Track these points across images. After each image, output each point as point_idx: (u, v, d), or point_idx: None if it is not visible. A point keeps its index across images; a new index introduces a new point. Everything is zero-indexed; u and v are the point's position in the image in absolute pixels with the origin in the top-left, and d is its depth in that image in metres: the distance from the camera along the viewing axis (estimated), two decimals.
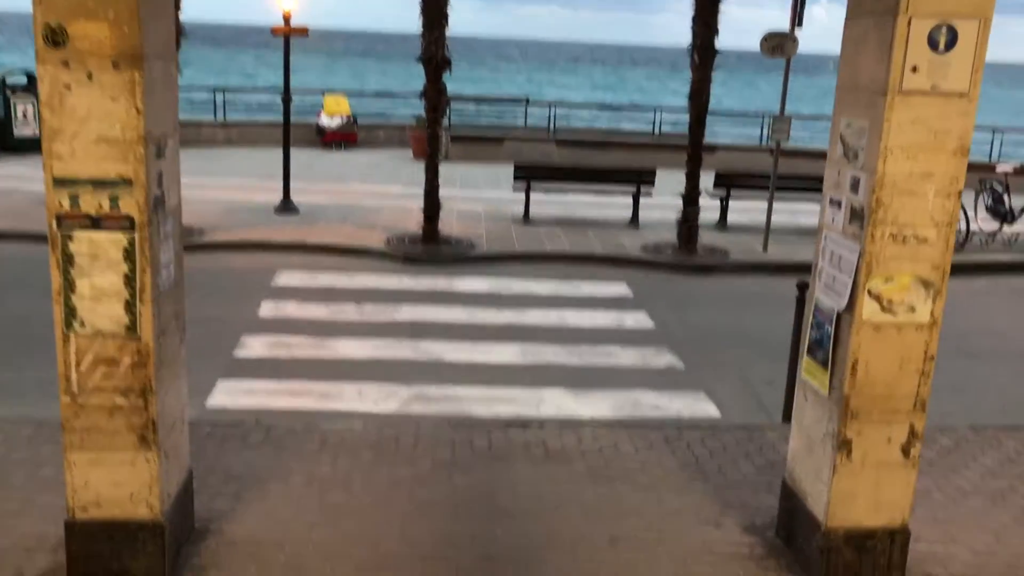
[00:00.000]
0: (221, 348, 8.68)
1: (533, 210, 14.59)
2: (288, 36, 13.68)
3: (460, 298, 10.68)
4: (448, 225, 13.53)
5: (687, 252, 12.73)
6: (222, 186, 16.06)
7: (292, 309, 9.98)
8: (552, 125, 22.74)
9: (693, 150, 12.59)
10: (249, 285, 10.78)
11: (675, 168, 15.81)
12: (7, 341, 8.26)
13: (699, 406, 7.84)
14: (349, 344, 8.98)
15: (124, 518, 4.54)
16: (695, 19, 12.06)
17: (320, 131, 21.48)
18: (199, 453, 6.09)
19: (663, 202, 15.96)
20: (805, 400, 5.10)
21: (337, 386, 7.89)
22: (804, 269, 12.58)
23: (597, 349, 9.18)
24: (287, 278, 11.12)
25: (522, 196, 14.79)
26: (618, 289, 11.43)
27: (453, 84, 23.03)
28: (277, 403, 7.51)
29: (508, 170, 18.93)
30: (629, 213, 15.16)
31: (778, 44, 12.33)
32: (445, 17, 11.80)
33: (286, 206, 14.20)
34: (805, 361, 5.10)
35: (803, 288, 7.16)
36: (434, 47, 11.77)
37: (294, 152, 20.11)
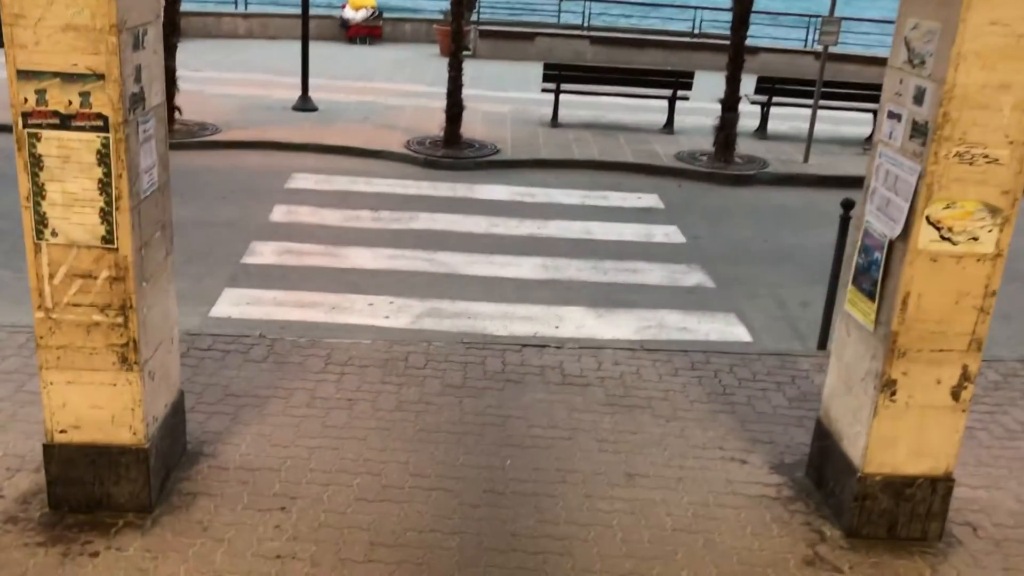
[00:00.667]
0: (229, 254, 8.32)
1: (562, 113, 13.95)
2: None
3: (480, 206, 10.22)
4: (472, 128, 12.95)
5: (723, 161, 12.11)
6: (240, 81, 15.51)
7: (305, 214, 9.57)
8: (587, 22, 21.75)
9: (734, 52, 11.83)
10: (262, 187, 10.36)
11: (714, 70, 15.02)
12: (5, 240, 7.95)
13: (729, 330, 7.40)
14: (362, 253, 8.58)
15: (105, 442, 4.24)
16: None
17: (344, 24, 20.70)
18: (198, 368, 5.78)
19: (700, 107, 15.22)
20: (847, 334, 4.64)
21: (347, 298, 7.53)
22: (847, 183, 12.05)
23: (622, 265, 8.72)
24: (302, 180, 10.68)
25: (551, 98, 14.12)
26: (648, 200, 10.90)
27: None
28: (284, 315, 7.17)
29: (538, 69, 18.09)
30: (664, 118, 14.46)
31: None
32: None
33: (304, 104, 13.66)
34: (850, 291, 4.62)
35: (848, 206, 6.63)
36: None
37: (317, 46, 19.48)
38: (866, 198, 4.51)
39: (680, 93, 13.74)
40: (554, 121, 13.77)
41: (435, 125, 12.75)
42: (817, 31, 20.94)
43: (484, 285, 8.01)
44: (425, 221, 9.58)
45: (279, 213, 9.54)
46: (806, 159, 12.50)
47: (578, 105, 14.94)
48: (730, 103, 12.02)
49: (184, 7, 19.95)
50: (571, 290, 8.02)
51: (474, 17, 21.16)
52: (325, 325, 7.00)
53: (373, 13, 20.78)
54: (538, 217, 9.93)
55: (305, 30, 13.69)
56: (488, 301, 7.63)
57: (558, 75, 13.60)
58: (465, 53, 17.75)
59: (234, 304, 7.32)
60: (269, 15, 20.36)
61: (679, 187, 11.55)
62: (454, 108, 11.88)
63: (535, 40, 20.01)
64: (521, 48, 19.85)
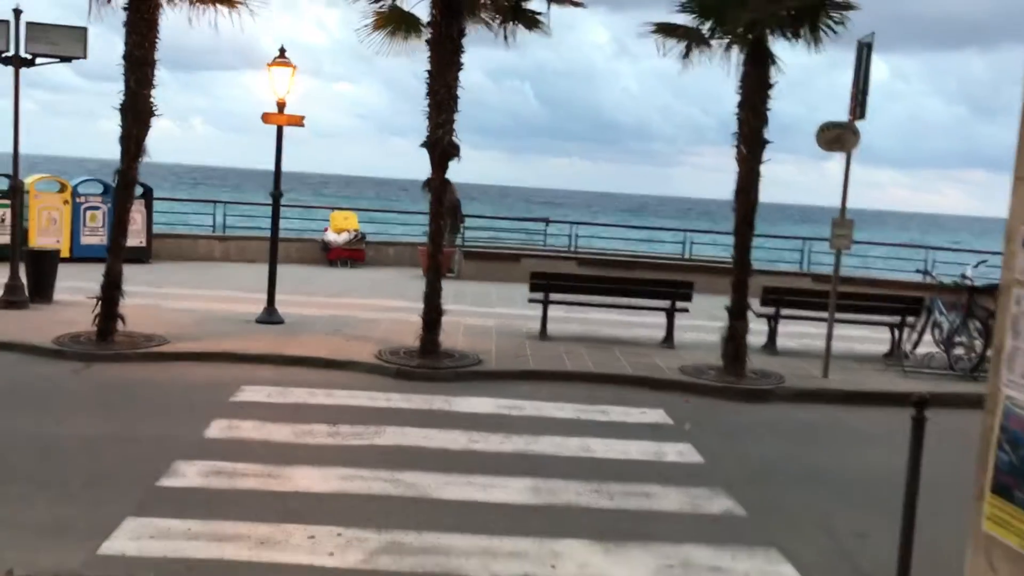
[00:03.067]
0: (143, 476, 6.71)
1: (552, 327, 12.73)
2: (281, 127, 12.22)
3: (459, 420, 8.71)
4: (453, 339, 11.67)
5: (734, 374, 10.74)
6: (203, 296, 14.38)
7: (248, 429, 8.02)
8: (574, 244, 21.15)
9: (740, 256, 10.77)
10: (203, 400, 8.86)
11: (707, 293, 14.08)
12: None
13: (774, 569, 5.72)
14: (310, 474, 6.97)
15: None
16: (741, 105, 10.49)
17: (325, 247, 19.97)
18: None
19: (697, 323, 14.11)
20: (992, 569, 3.06)
21: (283, 529, 5.85)
22: (876, 400, 10.64)
23: (631, 488, 7.12)
24: (251, 393, 9.21)
25: (539, 312, 12.98)
26: (654, 415, 9.42)
27: (469, 208, 21.84)
28: (194, 551, 5.48)
29: (525, 290, 17.24)
30: (661, 333, 13.26)
31: (837, 136, 10.70)
32: (455, 99, 10.29)
33: (269, 316, 12.43)
34: (989, 504, 3.10)
35: (921, 404, 5.21)
36: (440, 130, 10.21)
37: (296, 269, 18.70)
38: (1000, 366, 3.09)
39: (679, 305, 12.59)
40: (543, 334, 12.53)
41: (411, 336, 11.46)
42: (809, 253, 20.56)
43: (460, 512, 6.36)
44: (392, 436, 8.04)
45: (217, 429, 8.00)
46: (825, 374, 11.16)
47: (568, 320, 13.79)
48: (738, 311, 10.83)
49: (158, 229, 19.43)
50: (570, 518, 6.38)
51: (458, 241, 20.58)
52: (246, 566, 5.32)
53: (355, 236, 20.14)
54: (527, 432, 8.42)
55: (274, 236, 12.70)
56: (465, 532, 5.96)
57: (546, 284, 12.50)
58: (449, 275, 16.92)
59: (133, 538, 5.63)
60: (247, 238, 19.65)
61: (687, 402, 10.10)
62: (431, 313, 10.65)
63: (521, 261, 19.24)
64: (507, 269, 19.04)
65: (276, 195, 12.46)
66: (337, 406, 8.95)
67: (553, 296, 12.59)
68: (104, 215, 17.64)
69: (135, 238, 17.97)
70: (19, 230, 12.76)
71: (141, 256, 18.07)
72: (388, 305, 14.70)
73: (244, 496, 6.46)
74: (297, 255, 19.94)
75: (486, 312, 14.66)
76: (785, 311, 12.67)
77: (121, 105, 10.30)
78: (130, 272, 17.00)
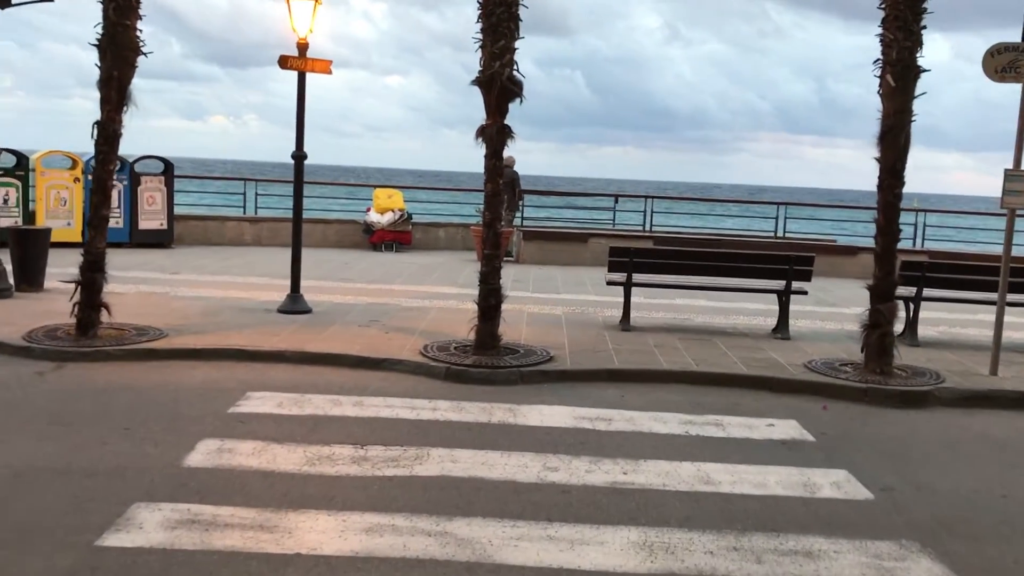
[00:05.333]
0: (80, 528, 4.63)
1: (635, 316, 10.43)
2: (303, 72, 10.06)
3: (528, 438, 6.48)
4: (515, 331, 9.45)
5: (880, 373, 8.35)
6: (222, 284, 12.33)
7: (245, 454, 5.89)
8: (648, 223, 18.75)
9: (887, 217, 8.35)
10: (193, 412, 6.76)
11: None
12: None
13: None
14: (323, 524, 4.82)
15: None
16: (886, 21, 8.08)
17: (368, 229, 17.88)
18: None
19: (807, 309, 11.73)
20: None
21: None
22: None
23: (785, 543, 4.85)
24: (257, 402, 7.08)
25: (616, 297, 10.71)
26: (787, 428, 7.09)
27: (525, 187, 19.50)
28: None
29: (594, 273, 15.00)
30: (765, 321, 10.91)
31: (1011, 62, 8.24)
32: (516, 20, 8.04)
33: (293, 305, 10.31)
34: None
35: None
36: (497, 62, 7.96)
37: (333, 253, 16.64)
38: None
39: (796, 286, 10.19)
40: (624, 323, 10.23)
41: (465, 327, 9.27)
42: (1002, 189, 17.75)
43: None
44: (439, 462, 5.85)
45: (203, 453, 5.88)
46: (994, 370, 8.71)
47: (651, 307, 11.49)
48: (884, 290, 8.42)
49: (180, 210, 17.50)
50: None
51: (517, 220, 18.35)
52: None
53: (401, 216, 18.00)
54: (621, 455, 6.17)
55: (297, 212, 10.57)
56: None
57: (630, 262, 10.17)
58: (507, 258, 14.71)
59: None
60: (281, 219, 17.61)
61: (825, 409, 7.76)
62: (490, 298, 8.42)
63: (589, 241, 16.93)
64: (572, 251, 16.76)
65: (299, 156, 10.30)
66: (368, 419, 6.78)
67: (637, 278, 10.26)
68: (120, 194, 15.73)
69: (155, 220, 16.13)
70: None
71: (162, 239, 16.17)
72: (437, 292, 12.52)
73: (220, 561, 4.32)
74: (336, 238, 17.88)
75: (552, 299, 12.38)
76: (931, 291, 10.18)
77: (98, 40, 8.26)
78: (148, 257, 15.28)
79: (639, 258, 10.21)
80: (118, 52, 8.25)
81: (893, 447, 6.79)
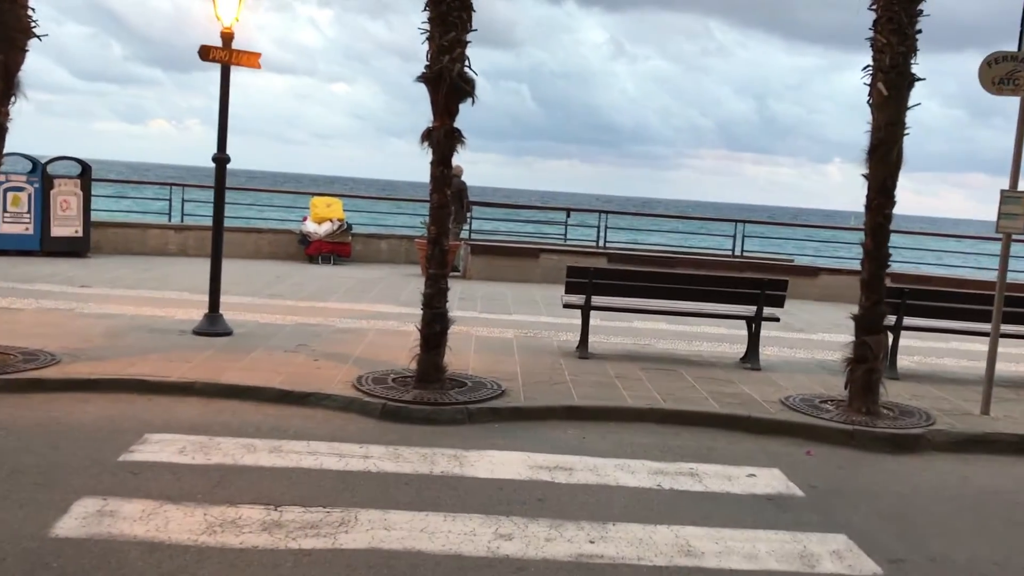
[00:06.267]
0: None
1: (593, 340, 9.51)
2: (227, 64, 8.96)
3: (477, 495, 5.50)
4: (462, 358, 8.46)
5: (866, 413, 7.53)
6: (139, 299, 11.12)
7: (128, 519, 4.80)
8: (602, 238, 17.88)
9: (875, 241, 7.54)
10: (75, 460, 5.65)
11: None
12: None
13: None
14: None
15: None
16: (878, 24, 7.31)
17: (304, 240, 16.73)
18: None
19: (775, 336, 10.96)
20: None
21: None
22: None
23: None
24: (155, 448, 5.97)
25: (572, 319, 9.81)
26: (770, 479, 6.22)
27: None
28: None
29: (546, 291, 14.12)
30: (730, 347, 10.11)
31: (1010, 73, 7.53)
32: (468, 10, 7.07)
33: (211, 326, 9.19)
34: None
35: None
36: (447, 56, 6.98)
37: (266, 266, 15.47)
38: None
39: (768, 311, 9.37)
40: (582, 350, 9.31)
41: (405, 354, 8.27)
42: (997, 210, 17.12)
43: None
44: (369, 529, 4.83)
45: (77, 517, 4.77)
46: (985, 410, 7.97)
47: (608, 330, 10.60)
48: (871, 319, 7.61)
49: (98, 216, 16.18)
50: None
51: (464, 234, 17.35)
52: None
53: (340, 227, 16.87)
54: (586, 517, 5.22)
55: (218, 220, 9.46)
56: None
57: (589, 283, 9.25)
58: (454, 273, 13.72)
59: None
60: (207, 228, 16.30)
61: (809, 455, 6.91)
62: (434, 323, 7.41)
63: (540, 257, 16.02)
64: (523, 267, 15.83)
65: (220, 159, 9.18)
66: (286, 470, 5.73)
67: (597, 300, 9.34)
68: (31, 197, 14.40)
69: (69, 226, 14.82)
70: None
71: (77, 248, 14.85)
72: (376, 311, 11.47)
73: None
74: (270, 249, 16.70)
75: (503, 320, 11.41)
76: (911, 320, 9.44)
77: None
78: (59, 267, 13.93)
79: (600, 279, 9.29)
80: (4, 33, 7.09)
81: (893, 504, 5.94)
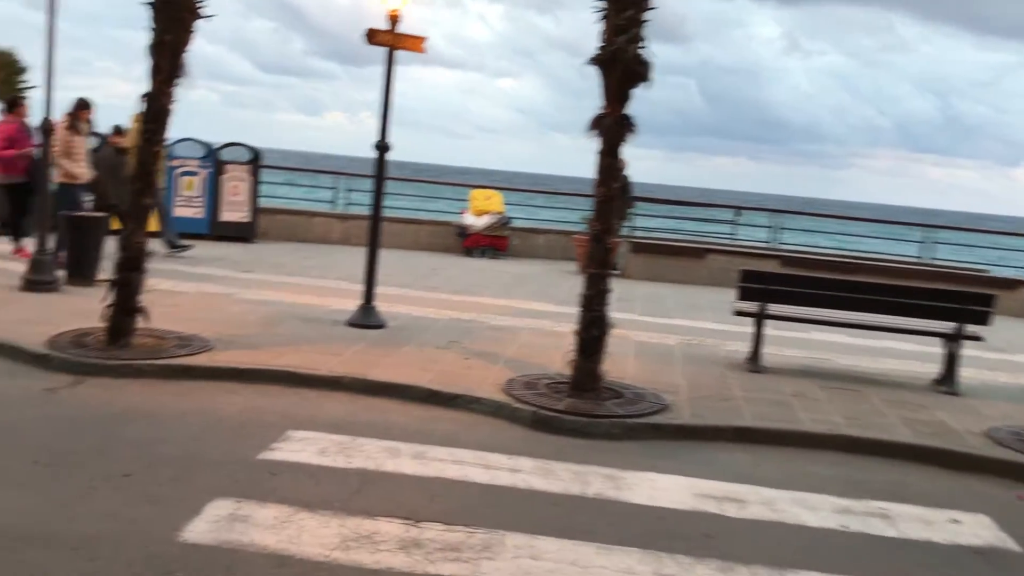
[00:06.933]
0: None
1: (764, 352, 8.69)
2: (393, 48, 8.69)
3: (636, 524, 4.91)
4: (619, 366, 7.85)
5: None
6: (297, 287, 11.11)
7: (263, 525, 4.48)
8: (773, 239, 16.79)
9: None
10: (215, 457, 5.43)
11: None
12: None
13: None
14: None
15: None
16: None
17: (462, 233, 16.52)
18: None
19: (972, 355, 9.75)
20: None
21: None
22: None
23: None
24: (297, 446, 5.69)
25: (740, 327, 9.04)
26: (978, 528, 5.32)
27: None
28: None
29: (711, 295, 13.30)
30: (927, 365, 9.04)
31: None
32: None
33: (364, 318, 8.97)
34: None
35: None
36: (622, 36, 6.40)
37: (422, 257, 15.32)
38: None
39: (968, 330, 8.30)
40: (753, 363, 8.52)
41: (560, 358, 7.78)
42: None
43: None
44: (514, 557, 4.33)
45: (208, 520, 4.50)
46: None
47: (782, 341, 9.68)
48: None
49: (266, 203, 16.48)
50: None
51: (624, 230, 16.66)
52: None
53: (499, 220, 16.58)
54: (761, 560, 4.54)
55: (377, 210, 9.25)
56: None
57: (764, 290, 8.45)
58: (612, 272, 13.11)
59: None
60: (369, 217, 16.34)
61: (1022, 500, 5.94)
62: (592, 328, 6.85)
63: (705, 258, 15.17)
64: (686, 268, 15.03)
65: (382, 147, 8.93)
66: (428, 479, 5.32)
67: (773, 308, 8.53)
68: (204, 182, 14.79)
69: (238, 211, 15.13)
70: (45, 186, 9.80)
71: (244, 233, 15.14)
72: (530, 308, 11.02)
73: None
74: (428, 240, 16.57)
75: (664, 324, 10.72)
76: None
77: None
78: (226, 251, 14.21)
79: (777, 285, 8.48)
80: (172, 12, 7.03)
81: None
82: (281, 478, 5.15)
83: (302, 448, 5.65)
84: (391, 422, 6.32)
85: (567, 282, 13.82)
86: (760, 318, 8.49)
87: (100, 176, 11.57)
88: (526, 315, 10.46)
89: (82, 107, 11.07)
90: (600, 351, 6.88)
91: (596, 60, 6.57)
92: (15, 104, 11.46)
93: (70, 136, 10.80)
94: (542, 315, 10.51)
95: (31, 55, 16.35)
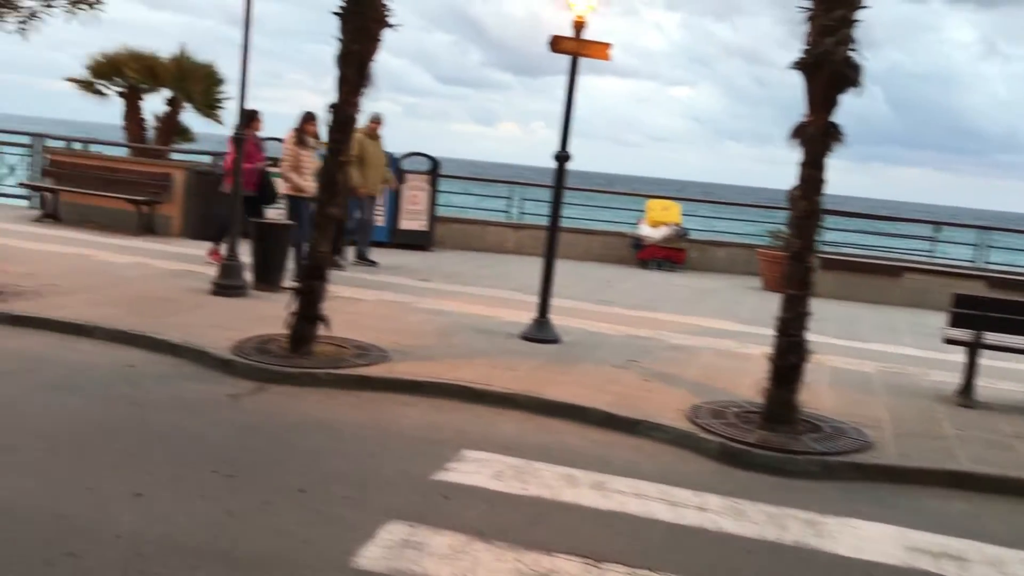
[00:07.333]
0: None
1: (979, 383, 7.82)
2: (577, 55, 8.43)
3: (841, 575, 4.39)
4: (814, 395, 7.23)
5: None
6: (471, 297, 11.03)
7: (436, 555, 4.27)
8: (980, 258, 15.44)
9: None
10: (391, 473, 5.29)
11: None
12: None
13: None
14: None
15: None
16: None
17: (637, 244, 16.10)
18: None
19: None
20: None
21: None
22: None
23: None
24: (471, 468, 5.47)
25: (944, 353, 8.22)
26: None
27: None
28: None
29: (909, 316, 12.36)
30: None
31: None
32: None
33: (539, 332, 8.73)
34: None
35: None
36: (831, 38, 5.85)
37: (595, 269, 15.01)
38: None
39: None
40: (965, 396, 7.68)
41: (748, 383, 7.26)
42: None
43: None
44: None
45: (382, 546, 4.32)
46: None
47: (995, 373, 8.68)
48: None
49: (442, 211, 16.60)
50: None
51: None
52: None
53: (677, 232, 16.04)
54: None
55: (554, 220, 9.01)
56: None
57: (981, 317, 7.61)
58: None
59: None
60: (543, 227, 16.09)
61: None
62: (790, 355, 6.31)
63: (902, 276, 14.09)
64: (880, 286, 14.02)
65: (562, 156, 8.67)
66: (609, 513, 4.97)
67: (990, 338, 7.68)
68: (386, 191, 15.03)
69: (416, 220, 15.33)
70: (238, 194, 10.10)
71: (422, 241, 15.31)
72: (712, 327, 10.47)
73: None
74: (600, 251, 16.24)
75: (858, 349, 9.91)
76: None
77: (340, 8, 7.08)
78: (404, 259, 14.35)
79: (996, 311, 7.61)
80: (359, 22, 7.02)
81: None
82: (455, 502, 4.94)
83: (476, 470, 5.43)
84: (567, 446, 6.01)
85: (750, 299, 13.17)
86: (974, 348, 7.64)
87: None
88: (707, 334, 9.94)
89: (308, 120, 11.20)
90: (797, 380, 6.33)
91: (800, 64, 6.04)
92: (251, 119, 11.28)
93: (298, 150, 11.07)
94: (724, 334, 9.95)
95: (228, 67, 17.14)
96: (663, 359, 8.49)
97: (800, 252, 6.28)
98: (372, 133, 12.96)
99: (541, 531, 4.66)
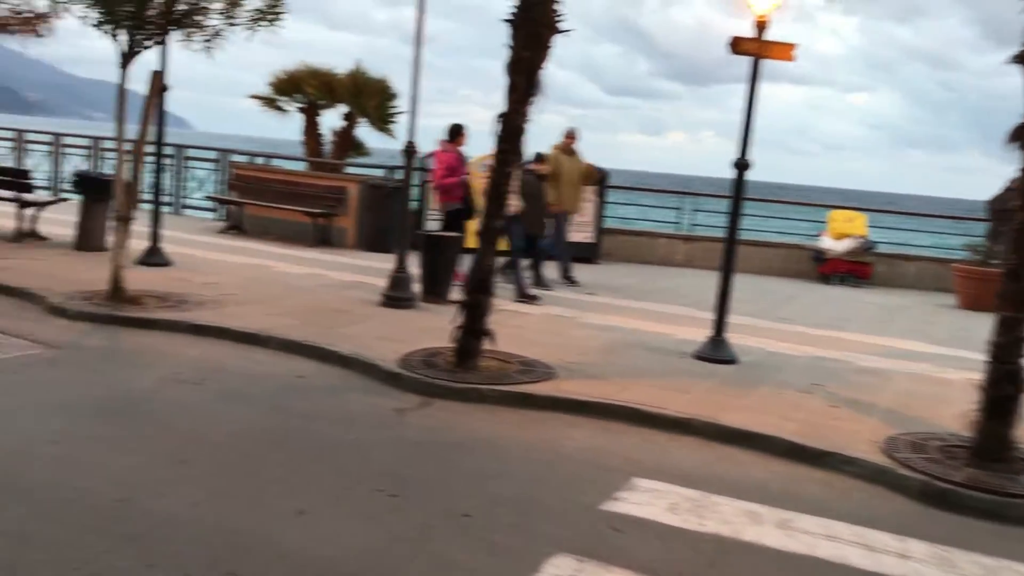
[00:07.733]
0: None
1: None
2: (758, 57, 7.92)
3: None
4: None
5: None
6: (639, 312, 10.64)
7: None
8: None
9: None
10: (556, 500, 5.00)
11: None
12: None
13: None
14: None
15: None
16: None
17: (818, 257, 15.22)
18: None
19: None
20: None
21: None
22: None
23: None
24: (642, 499, 5.11)
25: None
26: None
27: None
28: None
29: None
30: None
31: None
32: None
33: (714, 351, 8.24)
34: None
35: None
36: None
37: (774, 283, 14.28)
38: None
39: None
40: None
41: (946, 413, 6.55)
42: None
43: None
44: None
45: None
46: None
47: None
48: None
49: (610, 223, 16.25)
50: None
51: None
52: None
53: (862, 244, 15.06)
54: None
55: (732, 233, 8.48)
56: None
57: None
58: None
59: None
60: (714, 239, 15.50)
61: None
62: (1006, 385, 5.60)
63: None
64: None
65: (742, 164, 8.16)
66: (797, 557, 4.49)
67: None
68: (595, 208, 14.92)
69: (583, 231, 15.03)
70: (406, 206, 10.12)
71: (589, 254, 15.01)
72: (904, 348, 9.63)
73: None
74: (780, 265, 15.45)
75: None
76: None
77: (512, 15, 6.90)
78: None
79: None
80: (531, 29, 6.82)
81: None
82: (626, 536, 4.59)
83: (649, 501, 5.06)
84: (749, 478, 5.55)
85: (945, 318, 12.14)
86: None
87: (525, 206, 11.07)
88: (899, 356, 9.13)
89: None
90: (1014, 412, 5.60)
91: (1020, 58, 5.36)
92: (456, 134, 11.20)
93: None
94: (919, 357, 9.12)
95: (402, 83, 17.47)
96: (851, 383, 7.82)
97: (1017, 269, 5.56)
98: (567, 148, 12.66)
99: (720, 574, 4.25)
